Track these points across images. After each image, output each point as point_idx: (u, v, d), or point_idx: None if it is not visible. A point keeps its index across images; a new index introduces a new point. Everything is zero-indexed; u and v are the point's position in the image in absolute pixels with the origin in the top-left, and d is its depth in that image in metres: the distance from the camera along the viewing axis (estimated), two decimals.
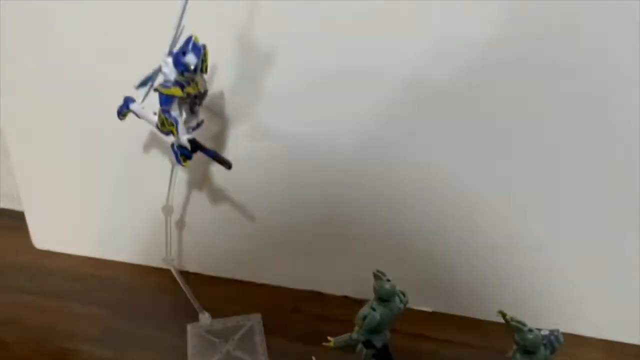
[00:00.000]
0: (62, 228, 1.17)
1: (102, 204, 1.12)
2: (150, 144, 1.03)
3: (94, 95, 0.97)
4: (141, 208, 1.09)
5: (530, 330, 0.75)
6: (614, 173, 0.87)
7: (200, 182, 1.05)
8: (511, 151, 0.89)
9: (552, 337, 0.78)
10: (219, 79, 0.92)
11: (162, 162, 1.02)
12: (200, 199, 1.07)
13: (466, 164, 0.92)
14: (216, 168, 1.03)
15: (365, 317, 0.82)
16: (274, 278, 1.12)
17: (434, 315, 1.07)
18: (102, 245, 1.17)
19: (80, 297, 1.10)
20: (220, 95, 0.93)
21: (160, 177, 0.96)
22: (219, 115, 0.94)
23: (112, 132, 1.01)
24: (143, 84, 0.75)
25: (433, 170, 0.94)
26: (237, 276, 1.13)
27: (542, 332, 0.77)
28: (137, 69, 0.78)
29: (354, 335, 0.84)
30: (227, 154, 0.98)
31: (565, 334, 1.00)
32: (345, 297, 1.09)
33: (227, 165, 0.77)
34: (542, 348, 0.76)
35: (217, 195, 1.05)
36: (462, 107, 0.87)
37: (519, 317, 0.76)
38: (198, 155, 0.94)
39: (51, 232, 1.19)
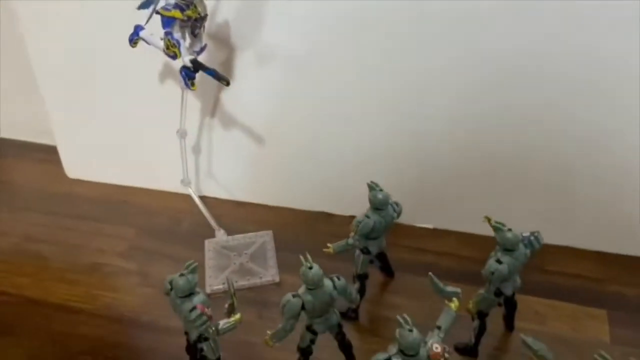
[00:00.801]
0: (92, 158, 1.27)
1: (127, 135, 1.20)
2: (164, 75, 1.10)
3: (117, 32, 1.03)
4: (162, 137, 1.16)
5: (510, 230, 0.80)
6: None
7: (212, 110, 1.12)
8: None
9: (532, 238, 0.84)
10: (224, 7, 0.97)
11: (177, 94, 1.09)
12: (213, 126, 1.14)
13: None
14: (227, 96, 1.10)
15: (359, 223, 0.89)
16: (286, 200, 1.19)
17: (434, 231, 1.13)
18: (127, 174, 1.26)
19: (108, 219, 1.20)
20: (226, 24, 0.99)
21: (178, 111, 1.05)
22: (225, 43, 1.00)
23: (129, 66, 1.09)
24: (144, 5, 0.81)
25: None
26: (252, 199, 1.21)
27: (523, 234, 0.83)
28: None
29: (350, 241, 0.92)
30: (235, 81, 1.05)
31: (556, 246, 1.06)
32: (353, 217, 1.16)
33: (226, 82, 0.83)
34: (521, 246, 0.81)
35: (229, 122, 1.12)
36: None
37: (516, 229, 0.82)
38: (209, 86, 1.02)
39: (82, 163, 1.28)
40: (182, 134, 1.04)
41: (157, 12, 0.79)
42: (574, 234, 1.06)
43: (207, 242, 1.10)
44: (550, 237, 1.03)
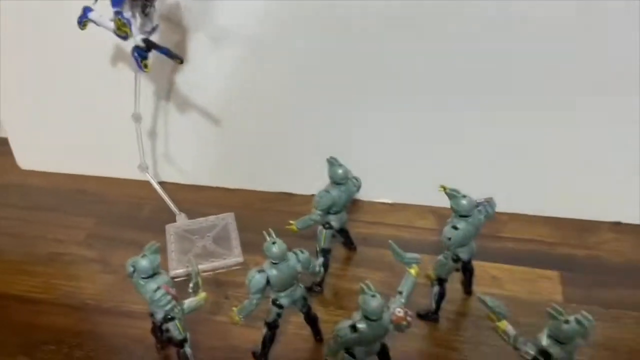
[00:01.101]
0: (44, 148, 1.25)
1: (79, 123, 1.19)
2: (116, 59, 1.09)
3: (65, 17, 1.01)
4: (116, 123, 1.15)
5: (464, 197, 0.83)
6: None
7: (166, 93, 1.11)
8: None
9: (486, 204, 0.87)
10: None
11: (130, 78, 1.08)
12: (168, 110, 1.14)
13: None
14: (181, 79, 1.09)
15: (321, 198, 0.91)
16: (246, 183, 1.20)
17: (393, 205, 1.16)
18: (82, 162, 1.24)
19: (65, 209, 1.19)
20: (177, 4, 0.98)
21: (131, 92, 1.04)
22: (178, 24, 0.99)
23: (80, 52, 1.07)
24: None
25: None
26: (211, 183, 1.22)
27: (477, 201, 0.86)
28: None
29: (313, 216, 0.93)
30: (190, 64, 1.05)
31: (509, 213, 1.10)
32: (313, 195, 1.17)
33: (180, 60, 0.84)
34: (475, 212, 0.85)
35: (185, 106, 1.12)
36: None
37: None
38: (163, 70, 1.01)
39: (34, 153, 1.26)
40: (136, 118, 1.03)
41: None
42: (526, 201, 1.10)
43: (168, 227, 1.10)
44: (503, 206, 1.07)
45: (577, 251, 1.05)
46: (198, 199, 1.18)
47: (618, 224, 1.09)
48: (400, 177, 1.13)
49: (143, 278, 0.77)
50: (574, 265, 1.02)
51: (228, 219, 1.12)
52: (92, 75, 1.11)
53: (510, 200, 1.09)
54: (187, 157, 1.19)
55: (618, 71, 0.94)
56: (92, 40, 0.98)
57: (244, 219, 1.13)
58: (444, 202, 0.87)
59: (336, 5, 0.95)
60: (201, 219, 1.12)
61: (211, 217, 1.12)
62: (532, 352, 0.70)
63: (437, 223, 1.10)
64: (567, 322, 0.67)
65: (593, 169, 1.05)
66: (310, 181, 1.15)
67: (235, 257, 1.05)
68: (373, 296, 0.72)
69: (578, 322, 0.69)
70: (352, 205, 1.12)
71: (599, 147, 1.03)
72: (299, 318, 0.91)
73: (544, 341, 0.69)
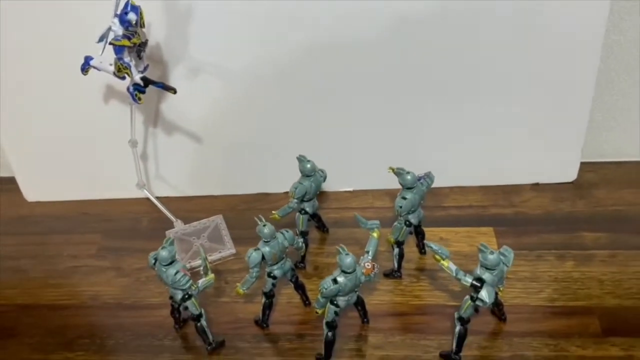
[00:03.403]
0: (47, 180, 1.41)
1: (77, 154, 1.36)
2: (110, 96, 1.28)
3: (62, 59, 1.19)
4: (111, 151, 1.33)
5: (408, 173, 1.06)
6: None
7: (154, 121, 1.30)
8: None
9: (426, 177, 1.10)
10: (154, 33, 1.17)
11: (125, 108, 1.25)
12: (156, 134, 1.32)
13: None
14: (165, 107, 1.29)
15: (295, 189, 1.12)
16: (228, 188, 1.40)
17: (353, 192, 1.37)
18: (83, 189, 1.41)
19: (74, 229, 1.35)
20: (157, 45, 1.19)
21: (124, 120, 1.22)
22: (159, 61, 1.20)
23: (79, 90, 1.25)
24: (100, 39, 1.00)
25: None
26: (199, 192, 1.40)
27: (418, 174, 1.09)
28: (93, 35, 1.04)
29: (290, 204, 1.14)
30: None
31: (448, 187, 1.33)
32: (286, 193, 1.37)
33: (173, 90, 1.04)
34: (418, 184, 1.07)
35: (170, 129, 1.31)
36: None
37: None
38: (149, 101, 1.21)
39: (39, 186, 1.42)
40: (133, 143, 1.22)
41: (110, 43, 0.98)
42: (462, 175, 1.33)
43: (167, 233, 1.29)
44: (445, 181, 1.31)
45: (506, 210, 1.28)
46: (189, 208, 1.37)
47: (537, 184, 1.33)
48: (358, 168, 1.34)
49: (164, 265, 0.96)
50: (503, 221, 1.25)
51: (217, 220, 1.32)
52: (85, 113, 1.29)
53: (449, 176, 1.31)
54: (176, 173, 1.38)
55: (535, 41, 1.15)
56: (89, 85, 1.18)
57: (230, 219, 1.32)
58: (396, 185, 1.09)
59: (294, 13, 1.15)
60: (195, 223, 1.31)
61: (203, 220, 1.32)
62: (469, 280, 0.92)
63: (392, 202, 1.32)
64: (492, 252, 0.90)
65: (511, 142, 1.28)
66: (283, 181, 1.34)
67: (228, 249, 1.24)
68: (347, 254, 0.93)
69: (501, 253, 0.92)
70: (321, 195, 1.33)
71: (515, 120, 1.25)
72: (290, 290, 1.12)
73: (478, 270, 0.92)
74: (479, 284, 0.91)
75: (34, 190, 1.44)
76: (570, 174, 1.33)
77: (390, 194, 1.34)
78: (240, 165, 1.37)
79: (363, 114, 1.28)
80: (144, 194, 1.31)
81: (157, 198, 1.35)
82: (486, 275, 0.91)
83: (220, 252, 1.24)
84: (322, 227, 1.26)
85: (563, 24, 1.13)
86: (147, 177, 1.37)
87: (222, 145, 1.34)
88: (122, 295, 1.19)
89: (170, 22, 1.17)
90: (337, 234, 1.27)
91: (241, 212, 1.35)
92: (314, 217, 1.21)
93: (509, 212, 1.28)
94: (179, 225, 1.29)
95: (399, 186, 1.09)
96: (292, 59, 1.21)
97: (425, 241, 0.95)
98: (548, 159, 1.31)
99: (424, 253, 1.19)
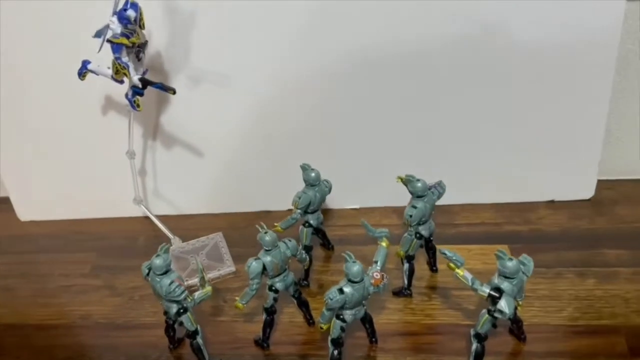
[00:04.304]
0: (41, 200, 1.37)
1: (72, 174, 1.32)
2: (107, 113, 1.24)
3: (57, 77, 1.17)
4: (106, 169, 1.29)
5: (418, 180, 1.00)
6: None
7: (153, 135, 1.26)
8: None
9: (438, 186, 1.04)
10: (156, 42, 1.14)
11: (120, 123, 1.22)
12: (155, 149, 1.28)
13: None
14: (165, 121, 1.25)
15: (299, 198, 1.06)
16: (229, 206, 1.34)
17: (360, 210, 1.32)
18: (77, 208, 1.36)
19: (67, 248, 1.30)
20: (158, 54, 1.15)
21: (121, 139, 1.19)
22: (160, 71, 1.16)
23: (75, 108, 1.22)
24: (97, 35, 0.96)
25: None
26: (199, 211, 1.35)
27: (430, 183, 1.03)
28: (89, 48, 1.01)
29: (294, 216, 1.08)
30: (172, 104, 1.21)
31: (460, 204, 1.27)
32: (289, 210, 1.32)
33: (173, 91, 0.99)
34: (429, 193, 1.01)
35: (169, 144, 1.27)
36: None
37: None
38: (148, 114, 1.17)
39: (33, 205, 1.38)
40: (131, 155, 1.17)
41: (108, 41, 0.95)
42: (473, 192, 1.28)
43: None
44: (455, 198, 1.25)
45: (521, 227, 1.22)
46: (188, 226, 1.31)
47: (552, 202, 1.28)
48: (365, 184, 1.29)
49: (158, 275, 0.90)
50: (519, 238, 1.19)
51: (217, 237, 1.26)
52: (80, 129, 1.25)
53: (461, 193, 1.26)
54: (175, 190, 1.33)
55: (548, 55, 1.11)
56: (85, 102, 1.15)
57: (231, 237, 1.26)
58: (404, 202, 1.04)
59: (294, 34, 1.13)
60: (193, 240, 1.25)
61: (202, 238, 1.26)
62: (487, 290, 0.85)
63: (400, 219, 1.26)
64: (510, 259, 0.84)
65: (525, 158, 1.23)
66: (286, 198, 1.29)
67: (228, 267, 1.18)
68: (354, 262, 0.87)
69: (520, 262, 0.86)
70: (326, 212, 1.27)
71: (530, 136, 1.21)
72: (292, 309, 1.05)
73: (496, 280, 0.85)
74: (497, 295, 0.84)
75: (27, 209, 1.39)
76: (587, 191, 1.27)
77: (398, 211, 1.28)
78: (242, 182, 1.32)
79: (371, 129, 1.23)
80: (141, 210, 1.26)
81: (155, 217, 1.29)
82: (505, 285, 0.85)
83: (219, 270, 1.17)
84: (327, 244, 1.20)
85: (577, 36, 1.10)
86: (145, 194, 1.32)
87: (224, 161, 1.29)
88: (114, 314, 1.12)
89: (173, 31, 1.14)
90: (343, 251, 1.19)
91: (242, 230, 1.29)
92: (319, 232, 1.15)
93: (523, 229, 1.21)
94: (176, 242, 1.23)
95: (408, 203, 1.04)
96: (296, 73, 1.17)
97: (438, 247, 0.89)
98: (564, 176, 1.25)
99: (436, 271, 1.12)
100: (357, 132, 1.24)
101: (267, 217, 1.33)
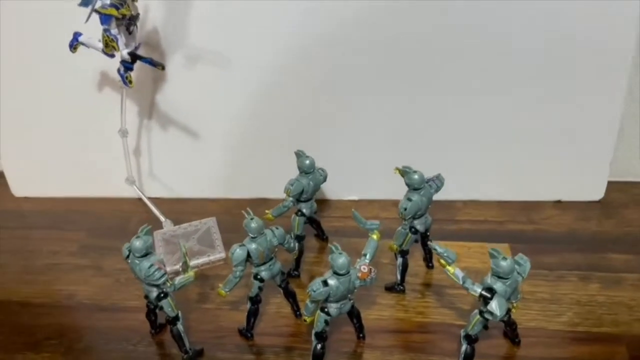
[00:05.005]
0: (35, 176, 1.34)
1: (66, 151, 1.29)
2: (101, 92, 1.21)
3: (52, 54, 1.14)
4: (100, 147, 1.26)
5: (415, 172, 0.96)
6: None
7: (148, 113, 1.23)
8: None
9: (436, 180, 0.99)
10: (152, 16, 1.11)
11: (114, 101, 1.19)
12: (151, 128, 1.25)
13: None
14: (161, 98, 1.21)
15: (292, 185, 1.02)
16: (225, 192, 1.31)
17: (359, 202, 1.27)
18: (72, 186, 1.34)
19: (58, 226, 1.28)
20: (155, 30, 1.12)
21: (116, 116, 1.16)
22: (156, 47, 1.13)
23: (69, 85, 1.20)
24: (84, 3, 0.93)
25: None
26: (193, 195, 1.32)
27: (428, 176, 0.98)
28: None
29: (285, 203, 1.04)
30: (168, 83, 1.18)
31: (463, 200, 1.23)
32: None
33: (162, 66, 0.96)
34: (426, 186, 0.97)
35: (165, 124, 1.24)
36: None
37: None
38: (144, 90, 1.14)
39: (27, 181, 1.35)
40: (123, 133, 1.14)
41: (96, 11, 0.91)
42: (477, 188, 1.23)
43: (155, 233, 1.19)
44: (458, 194, 1.21)
45: (525, 226, 1.17)
46: (182, 209, 1.28)
47: (559, 202, 1.22)
48: (365, 175, 1.25)
49: (138, 257, 0.87)
50: (522, 237, 1.14)
51: (210, 222, 1.22)
52: (75, 107, 1.23)
53: (464, 188, 1.22)
54: (170, 172, 1.30)
55: (563, 53, 1.07)
56: (80, 80, 1.13)
57: (224, 222, 1.23)
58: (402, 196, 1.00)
59: (295, 17, 1.09)
60: (185, 224, 1.22)
61: (194, 222, 1.22)
62: (478, 290, 0.81)
63: (396, 213, 1.22)
64: (504, 258, 0.79)
65: (533, 155, 1.18)
66: (281, 186, 1.26)
67: (218, 253, 1.14)
68: (340, 254, 0.83)
69: (516, 262, 0.81)
70: (323, 203, 1.24)
71: (537, 133, 1.16)
72: (279, 299, 1.02)
73: (489, 279, 0.81)
74: (489, 295, 0.80)
75: (22, 185, 1.37)
76: (596, 192, 1.21)
77: (398, 205, 1.24)
78: (239, 168, 1.28)
79: (373, 119, 1.19)
80: (134, 191, 1.23)
81: (149, 199, 1.26)
82: (498, 285, 0.80)
83: (209, 255, 1.14)
84: (320, 234, 1.16)
85: (591, 33, 1.05)
86: (138, 175, 1.30)
87: (221, 145, 1.26)
88: (99, 296, 1.09)
89: (171, 7, 1.10)
90: (337, 243, 1.16)
91: (236, 216, 1.22)
92: (313, 222, 1.11)
93: (528, 228, 1.16)
94: (168, 225, 1.20)
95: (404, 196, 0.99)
96: (297, 57, 1.13)
97: (429, 242, 0.84)
98: (573, 176, 1.20)
99: (432, 267, 1.08)
100: (359, 121, 1.20)
101: (263, 204, 1.27)
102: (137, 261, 0.87)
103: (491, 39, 1.07)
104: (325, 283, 0.83)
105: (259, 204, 1.28)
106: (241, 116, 1.21)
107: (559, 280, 1.04)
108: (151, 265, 0.86)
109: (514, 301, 0.84)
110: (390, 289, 1.04)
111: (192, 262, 1.11)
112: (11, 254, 1.21)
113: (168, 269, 1.09)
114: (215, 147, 1.26)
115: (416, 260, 1.09)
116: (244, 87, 1.18)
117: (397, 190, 1.02)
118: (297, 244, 1.04)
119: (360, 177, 1.26)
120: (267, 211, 1.04)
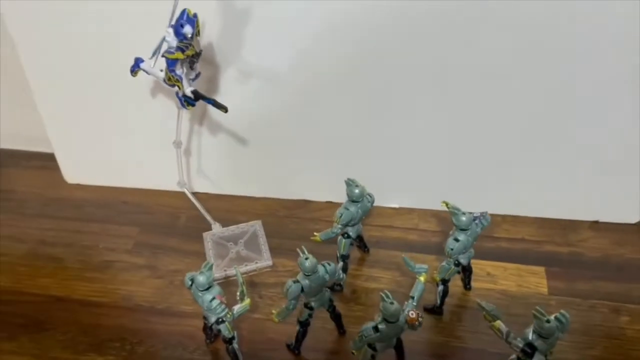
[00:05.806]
0: (89, 163, 1.39)
1: (121, 140, 1.33)
2: (159, 88, 1.23)
3: (111, 53, 1.15)
4: (156, 142, 1.29)
5: (464, 213, 0.99)
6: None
7: (200, 118, 1.26)
8: None
9: (482, 218, 1.02)
10: (207, 33, 1.11)
11: (170, 103, 1.21)
12: (202, 132, 1.28)
13: None
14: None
15: (341, 215, 1.06)
16: (269, 192, 1.35)
17: (399, 210, 1.31)
18: (123, 175, 1.39)
19: (112, 219, 1.33)
20: (210, 46, 1.12)
21: (169, 115, 1.18)
22: (211, 62, 1.13)
23: (126, 77, 1.20)
24: (153, 54, 0.94)
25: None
26: (239, 192, 1.36)
27: (474, 214, 1.02)
28: (143, 34, 0.98)
29: (334, 229, 1.09)
30: (220, 92, 1.19)
31: (502, 215, 1.26)
32: (328, 202, 1.33)
33: (224, 109, 0.97)
34: (473, 225, 1.00)
35: (215, 128, 1.26)
36: None
37: (468, 204, 1.02)
38: (198, 104, 1.15)
39: (80, 168, 1.40)
40: (177, 144, 1.18)
41: (163, 56, 0.92)
42: (516, 203, 1.26)
43: (205, 235, 1.26)
44: (498, 208, 1.24)
45: (561, 248, 1.20)
46: (227, 207, 1.33)
47: (596, 222, 1.25)
48: (406, 183, 1.28)
49: (200, 290, 0.93)
50: (557, 261, 1.18)
51: (256, 226, 1.28)
52: (133, 96, 1.24)
53: (503, 203, 1.25)
54: (217, 170, 1.34)
55: (591, 80, 1.07)
56: (139, 76, 1.12)
57: (269, 225, 1.28)
58: (445, 208, 1.02)
59: (341, 28, 1.08)
60: (233, 227, 1.27)
61: (241, 225, 1.28)
62: (520, 345, 0.86)
63: (438, 225, 1.26)
64: (548, 321, 0.84)
65: (573, 173, 1.20)
66: (325, 189, 1.31)
67: (265, 260, 1.20)
68: (391, 303, 0.88)
69: (557, 320, 0.86)
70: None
71: (578, 152, 1.17)
72: (325, 314, 1.08)
73: (530, 336, 0.86)
74: (529, 351, 0.85)
75: (74, 171, 1.42)
76: (632, 215, 1.24)
77: (437, 215, 1.28)
78: (283, 169, 1.32)
79: (418, 128, 1.20)
80: (184, 192, 1.27)
81: (196, 193, 1.31)
82: (538, 343, 0.85)
83: (256, 262, 1.20)
84: (363, 247, 1.21)
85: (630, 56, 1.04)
86: (188, 171, 1.34)
87: (267, 147, 1.29)
88: (155, 298, 1.17)
89: (224, 23, 1.10)
90: (377, 255, 1.22)
91: (281, 219, 1.31)
92: (357, 237, 1.16)
93: (564, 251, 1.20)
94: (216, 228, 1.26)
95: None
96: (344, 67, 1.14)
97: (478, 301, 0.89)
98: (610, 196, 1.22)
99: (469, 289, 1.13)
100: (402, 129, 1.21)
101: (305, 206, 1.34)
102: (199, 293, 0.93)
103: (538, 62, 1.07)
104: (376, 329, 0.89)
105: (301, 206, 1.35)
106: (287, 122, 1.24)
107: (590, 311, 1.09)
108: (213, 299, 0.93)
109: (548, 356, 0.90)
110: (429, 310, 1.10)
111: (242, 269, 1.17)
112: (69, 248, 1.27)
113: (217, 274, 1.17)
114: (262, 150, 1.29)
115: (454, 280, 1.13)
116: (291, 96, 1.19)
117: (436, 201, 1.06)
118: (343, 272, 1.09)
119: (402, 185, 1.29)
120: (315, 234, 1.09)
